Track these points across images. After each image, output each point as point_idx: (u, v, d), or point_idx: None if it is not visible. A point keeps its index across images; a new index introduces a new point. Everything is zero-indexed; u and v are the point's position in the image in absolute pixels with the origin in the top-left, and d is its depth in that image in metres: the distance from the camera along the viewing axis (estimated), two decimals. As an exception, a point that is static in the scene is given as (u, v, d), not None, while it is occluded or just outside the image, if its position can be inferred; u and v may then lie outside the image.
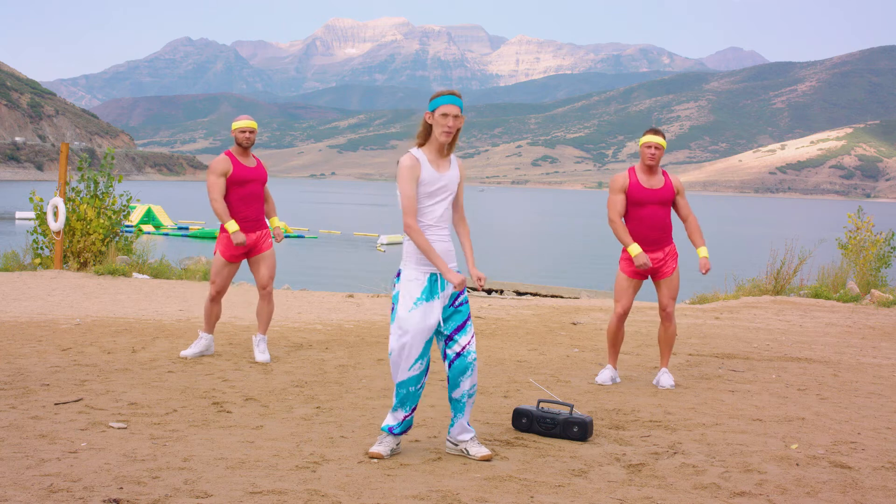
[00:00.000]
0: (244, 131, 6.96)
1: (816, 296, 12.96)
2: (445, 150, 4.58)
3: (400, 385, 4.51)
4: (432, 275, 4.51)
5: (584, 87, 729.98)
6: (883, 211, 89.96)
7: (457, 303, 4.57)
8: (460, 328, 4.55)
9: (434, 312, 4.48)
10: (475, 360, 4.59)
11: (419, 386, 4.54)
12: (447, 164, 4.60)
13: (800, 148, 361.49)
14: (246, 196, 6.97)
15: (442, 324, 4.53)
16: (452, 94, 4.51)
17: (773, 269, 13.60)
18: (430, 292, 4.49)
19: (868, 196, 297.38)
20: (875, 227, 14.55)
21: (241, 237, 6.83)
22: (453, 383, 4.59)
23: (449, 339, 4.56)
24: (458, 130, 4.54)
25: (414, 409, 4.58)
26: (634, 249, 6.38)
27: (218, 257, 7.06)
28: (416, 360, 4.47)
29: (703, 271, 6.53)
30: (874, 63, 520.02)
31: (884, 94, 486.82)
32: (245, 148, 7.00)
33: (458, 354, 4.55)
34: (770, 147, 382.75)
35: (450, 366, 4.58)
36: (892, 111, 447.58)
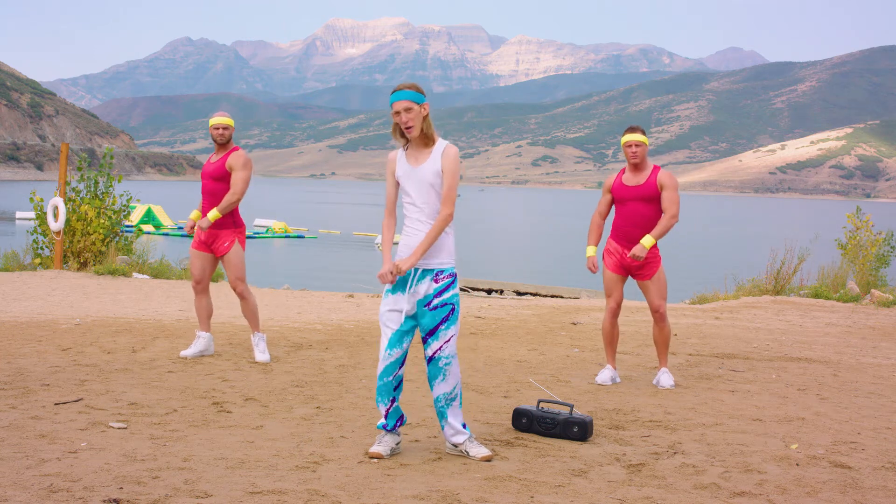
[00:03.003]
0: (216, 128, 7.07)
1: (816, 296, 12.96)
2: (418, 142, 4.52)
3: (377, 377, 4.54)
4: (414, 269, 4.49)
5: (584, 87, 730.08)
6: (883, 211, 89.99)
7: (431, 304, 4.47)
8: (432, 332, 4.48)
9: (397, 306, 4.46)
10: (448, 364, 4.49)
11: (389, 378, 4.49)
12: (427, 155, 4.53)
13: (800, 148, 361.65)
14: (202, 191, 7.16)
15: (419, 325, 4.52)
16: (398, 89, 4.48)
17: (773, 269, 13.60)
18: (397, 286, 4.48)
19: (868, 196, 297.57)
20: (874, 226, 14.55)
21: (191, 219, 7.18)
22: (430, 386, 4.59)
23: (423, 341, 4.54)
24: (423, 119, 4.46)
25: (392, 402, 4.51)
26: (589, 251, 6.65)
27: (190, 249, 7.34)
28: (384, 350, 4.47)
29: (629, 255, 6.42)
30: (874, 63, 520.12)
31: (884, 94, 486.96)
32: (220, 144, 7.08)
33: (430, 359, 4.52)
34: (770, 147, 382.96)
35: (427, 368, 4.58)
36: (892, 111, 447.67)
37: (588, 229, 6.73)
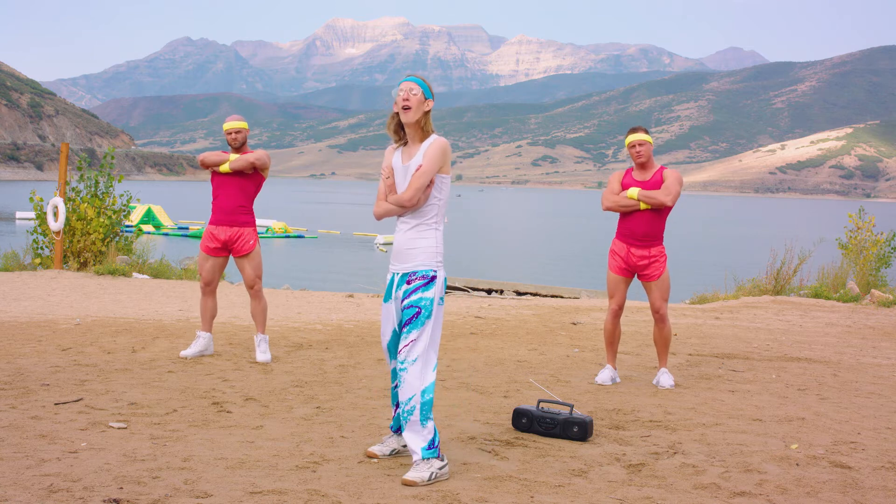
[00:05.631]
0: (229, 133, 7.02)
1: (816, 296, 12.96)
2: (414, 131, 4.30)
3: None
4: (393, 275, 4.38)
5: (584, 87, 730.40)
6: (883, 211, 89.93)
7: (401, 306, 4.29)
8: (401, 330, 4.33)
9: (389, 313, 4.37)
10: (404, 370, 4.21)
11: (394, 385, 4.47)
12: (417, 151, 4.33)
13: (800, 148, 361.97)
14: (219, 185, 7.03)
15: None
16: (410, 75, 4.32)
17: (773, 269, 13.61)
18: (387, 294, 4.39)
19: (868, 196, 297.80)
20: (875, 227, 14.55)
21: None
22: None
23: None
24: (424, 112, 4.26)
25: (398, 406, 4.43)
26: (633, 192, 6.42)
27: (199, 251, 7.21)
28: (387, 358, 4.46)
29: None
30: (874, 63, 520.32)
31: (884, 94, 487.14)
32: (235, 148, 7.04)
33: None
34: (770, 147, 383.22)
35: None
36: (892, 111, 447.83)
37: (616, 203, 6.47)
